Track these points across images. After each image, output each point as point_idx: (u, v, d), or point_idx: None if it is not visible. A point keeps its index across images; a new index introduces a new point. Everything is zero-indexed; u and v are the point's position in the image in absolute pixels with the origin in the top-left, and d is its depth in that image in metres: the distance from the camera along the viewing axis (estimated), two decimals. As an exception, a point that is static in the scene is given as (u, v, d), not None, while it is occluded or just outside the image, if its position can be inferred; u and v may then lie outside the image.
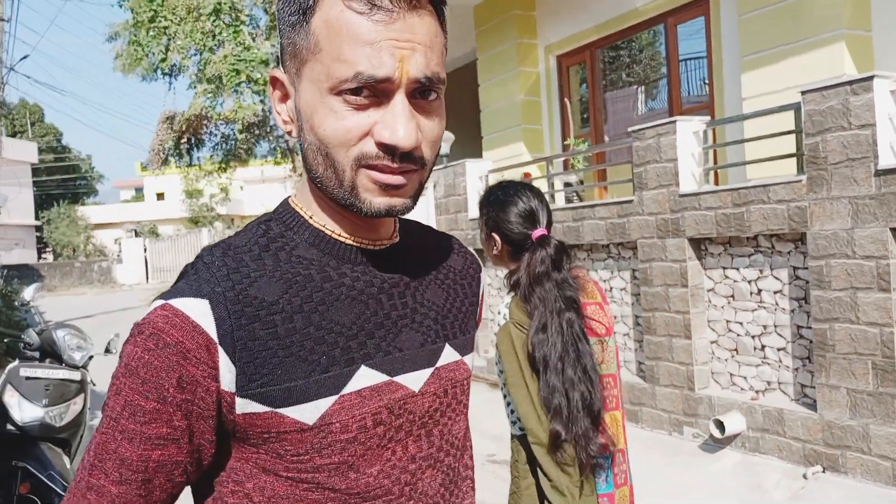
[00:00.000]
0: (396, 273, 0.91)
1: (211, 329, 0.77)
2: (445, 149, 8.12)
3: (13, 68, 17.23)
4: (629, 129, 5.51)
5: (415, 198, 0.84)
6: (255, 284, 0.80)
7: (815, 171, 4.15)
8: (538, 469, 1.85)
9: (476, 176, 7.41)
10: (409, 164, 0.80)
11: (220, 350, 0.77)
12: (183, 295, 0.78)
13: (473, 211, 7.37)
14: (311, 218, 0.88)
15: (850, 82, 3.97)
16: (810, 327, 4.26)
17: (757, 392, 4.68)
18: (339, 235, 0.88)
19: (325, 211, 0.88)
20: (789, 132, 4.41)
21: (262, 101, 14.08)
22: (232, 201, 33.09)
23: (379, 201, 0.81)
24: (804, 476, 4.13)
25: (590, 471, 1.81)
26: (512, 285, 1.93)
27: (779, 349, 4.55)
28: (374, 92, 0.77)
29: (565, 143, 7.83)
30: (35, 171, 34.89)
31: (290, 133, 0.85)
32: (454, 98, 11.96)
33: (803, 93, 4.21)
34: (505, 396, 2.00)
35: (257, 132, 15.35)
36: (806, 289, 4.34)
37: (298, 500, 0.81)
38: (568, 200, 6.76)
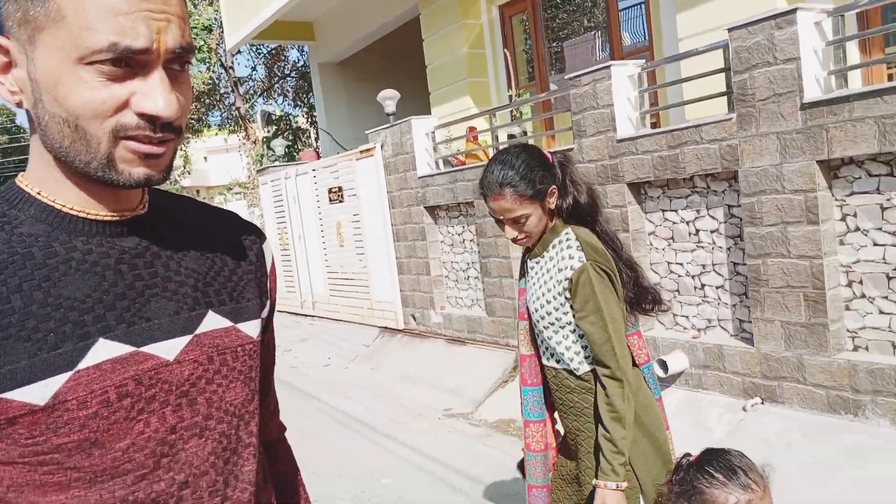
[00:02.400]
0: (144, 242, 0.89)
1: None
2: (391, 107, 8.00)
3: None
4: (566, 77, 5.46)
5: (170, 167, 0.85)
6: None
7: (743, 109, 4.16)
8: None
9: (423, 133, 7.33)
10: (169, 133, 0.81)
11: None
12: None
13: (423, 169, 7.32)
14: (38, 194, 0.85)
15: (775, 16, 3.95)
16: (745, 264, 4.32)
17: (698, 330, 4.76)
18: (72, 209, 0.85)
19: (58, 185, 0.85)
20: (718, 71, 4.41)
21: (208, 69, 13.75)
22: (195, 172, 32.62)
23: (138, 171, 0.81)
24: (744, 408, 4.23)
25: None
26: (582, 216, 2.14)
27: (717, 287, 4.62)
28: (130, 63, 0.77)
29: (510, 94, 7.76)
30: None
31: (19, 104, 0.82)
32: (399, 56, 11.83)
33: (730, 30, 4.19)
34: (572, 334, 2.11)
35: (207, 101, 15.02)
36: (740, 226, 4.39)
37: (40, 485, 0.79)
38: (514, 152, 6.72)
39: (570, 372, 2.13)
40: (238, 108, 14.51)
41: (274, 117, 13.27)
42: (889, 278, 3.73)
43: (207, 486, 0.90)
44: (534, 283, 2.17)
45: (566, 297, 2.05)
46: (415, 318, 7.77)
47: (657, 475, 2.10)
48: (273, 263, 1.10)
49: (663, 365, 4.61)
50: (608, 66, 5.02)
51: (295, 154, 12.46)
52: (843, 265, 3.92)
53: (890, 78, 4.86)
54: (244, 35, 11.30)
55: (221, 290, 0.95)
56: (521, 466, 2.49)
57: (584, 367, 2.10)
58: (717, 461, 1.61)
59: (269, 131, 12.69)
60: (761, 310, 4.19)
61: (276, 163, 10.81)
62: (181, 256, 0.92)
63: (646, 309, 2.23)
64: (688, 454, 1.70)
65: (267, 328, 1.07)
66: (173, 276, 0.90)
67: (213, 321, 0.92)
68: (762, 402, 4.22)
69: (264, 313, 1.03)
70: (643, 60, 5.26)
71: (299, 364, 8.28)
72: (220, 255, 0.98)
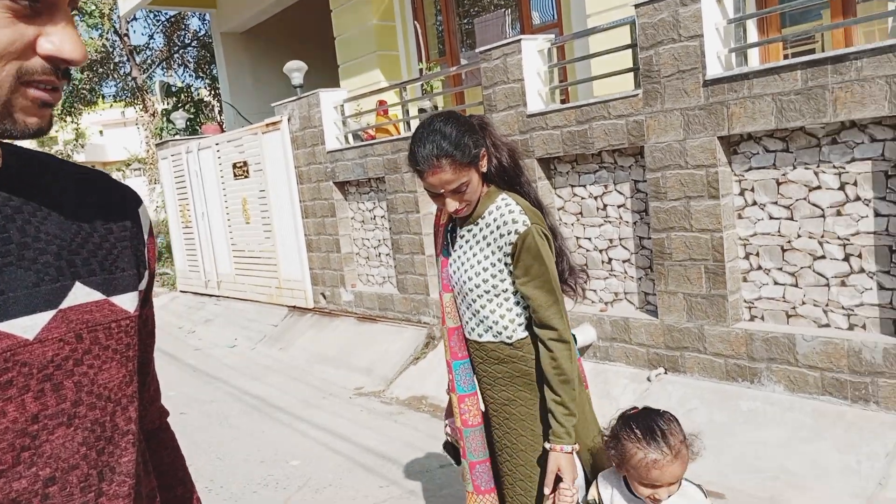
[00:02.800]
0: None
1: None
2: (298, 79, 7.74)
3: None
4: (477, 51, 5.41)
5: (52, 118, 0.79)
6: None
7: (649, 85, 4.22)
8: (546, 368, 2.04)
9: (331, 106, 7.13)
10: (65, 80, 0.77)
11: None
12: None
13: (332, 143, 7.13)
14: None
15: (679, -7, 4.01)
16: (650, 238, 4.41)
17: (606, 304, 4.85)
18: None
19: None
20: (625, 47, 4.45)
21: (101, 37, 12.94)
22: (91, 147, 30.97)
23: (32, 121, 0.75)
24: (648, 379, 4.35)
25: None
26: (525, 195, 2.12)
27: (624, 261, 4.71)
28: (37, 1, 0.72)
29: (420, 68, 7.65)
30: None
31: None
32: (307, 27, 11.47)
33: (637, 6, 4.23)
34: (512, 297, 2.08)
35: (101, 70, 14.16)
36: (646, 201, 4.47)
37: None
38: (424, 127, 6.64)
39: (503, 342, 2.09)
40: (134, 79, 13.74)
41: (174, 89, 12.66)
42: (784, 250, 3.89)
43: (78, 481, 0.79)
44: (464, 253, 2.12)
45: (506, 263, 2.02)
46: (325, 297, 7.61)
47: (593, 436, 2.12)
48: (151, 230, 0.98)
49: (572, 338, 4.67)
50: (518, 41, 4.99)
51: (197, 128, 11.94)
52: (741, 238, 4.06)
53: (785, 57, 5.04)
54: (139, 0, 10.68)
55: (91, 259, 0.84)
56: (449, 448, 2.42)
57: (519, 335, 2.08)
58: (644, 420, 1.78)
59: (168, 104, 12.10)
60: (665, 282, 4.29)
61: (177, 137, 10.32)
62: (41, 220, 0.80)
63: (566, 279, 2.23)
64: (634, 407, 1.88)
65: (146, 302, 0.96)
66: (31, 242, 0.78)
67: (81, 294, 0.81)
68: (665, 372, 4.35)
69: (142, 285, 0.92)
70: (553, 35, 5.26)
71: (204, 346, 7.98)
72: (88, 219, 0.86)
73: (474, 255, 2.08)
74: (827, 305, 3.75)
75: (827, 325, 3.75)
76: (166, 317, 9.73)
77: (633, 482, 1.81)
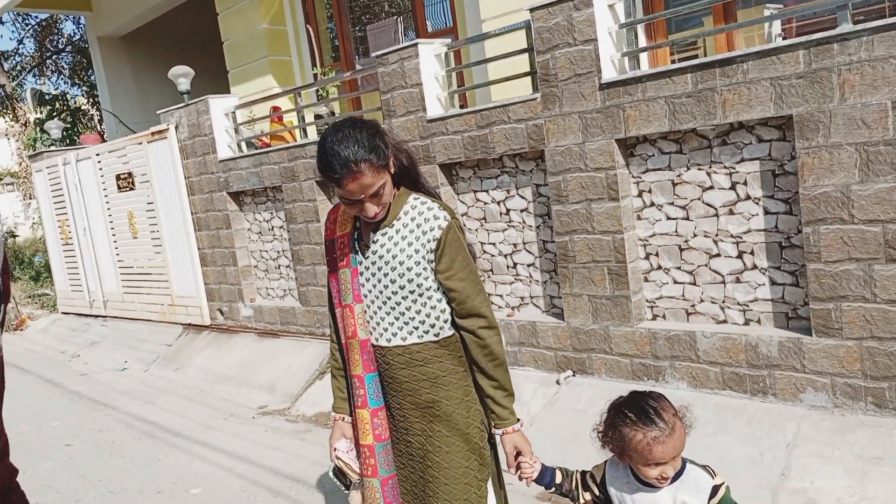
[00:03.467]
0: None
1: None
2: (185, 85, 7.37)
3: None
4: (373, 55, 5.30)
5: None
6: None
7: (547, 89, 4.24)
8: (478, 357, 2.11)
9: (222, 113, 6.82)
10: None
11: None
12: None
13: (224, 151, 6.82)
14: None
15: (573, -2, 4.05)
16: (554, 241, 4.43)
17: (512, 308, 4.84)
18: None
19: None
20: (522, 51, 4.46)
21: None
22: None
23: None
24: (557, 382, 4.36)
25: None
26: (429, 193, 2.18)
27: (528, 265, 4.72)
28: None
29: (315, 73, 7.46)
30: None
31: None
32: (193, 31, 11.00)
33: (531, 10, 4.24)
34: (435, 294, 2.08)
35: (-37, 77, 13.07)
36: (548, 205, 4.49)
37: None
38: (320, 132, 6.46)
39: (429, 341, 2.10)
40: (3, 87, 12.75)
41: (48, 97, 11.82)
42: (681, 250, 3.99)
43: None
44: (381, 257, 2.09)
45: (429, 260, 2.05)
46: (222, 313, 7.27)
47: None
48: (6, 257, 0.82)
49: (480, 344, 4.63)
50: (415, 45, 4.92)
51: (76, 138, 11.19)
52: (641, 239, 4.14)
53: (673, 62, 5.21)
54: (5, 1, 9.90)
55: None
56: (338, 474, 2.32)
57: (446, 332, 2.11)
58: (634, 403, 1.85)
59: (42, 112, 11.28)
60: (570, 285, 4.32)
61: (53, 148, 9.62)
62: None
63: None
64: (620, 396, 1.94)
65: None
66: None
67: None
68: (574, 375, 4.37)
69: None
70: (449, 39, 5.22)
71: (90, 370, 7.46)
72: None
73: (394, 257, 2.07)
74: (724, 302, 3.87)
75: (724, 322, 3.87)
76: (47, 341, 9.05)
77: (638, 468, 1.85)
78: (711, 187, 3.82)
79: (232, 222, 6.90)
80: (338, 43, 7.87)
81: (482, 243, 4.94)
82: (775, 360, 3.54)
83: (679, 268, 4.02)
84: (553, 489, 2.11)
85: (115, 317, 8.83)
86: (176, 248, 7.57)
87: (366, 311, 2.15)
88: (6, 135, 15.89)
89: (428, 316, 2.09)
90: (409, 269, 2.05)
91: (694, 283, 3.97)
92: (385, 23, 7.86)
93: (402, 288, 2.06)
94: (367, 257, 2.12)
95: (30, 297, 11.11)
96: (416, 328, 2.09)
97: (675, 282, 4.04)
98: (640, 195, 4.11)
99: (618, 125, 3.97)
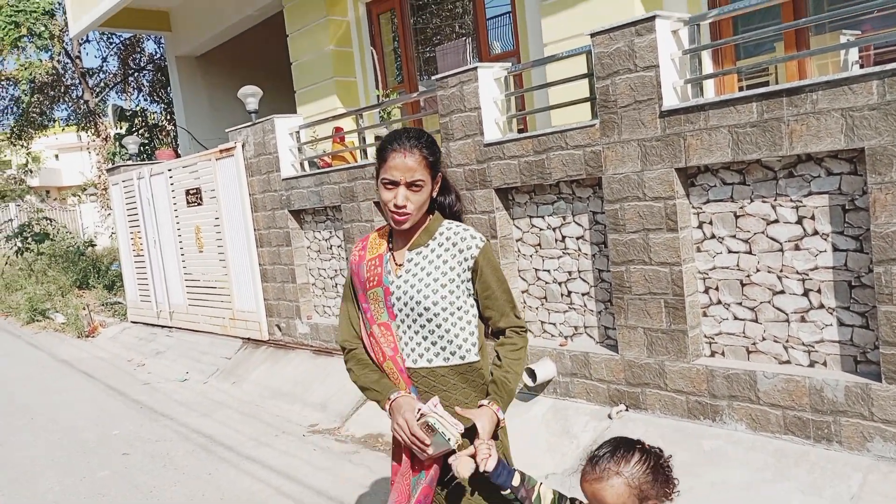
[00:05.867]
0: None
1: None
2: (253, 105, 7.56)
3: None
4: (434, 78, 5.31)
5: None
6: None
7: (606, 115, 4.15)
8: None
9: (287, 133, 6.97)
10: None
11: None
12: None
13: (287, 170, 6.96)
14: None
15: (634, 23, 3.96)
16: (610, 270, 4.32)
17: (566, 338, 4.73)
18: None
19: None
20: (582, 76, 4.39)
21: (52, 58, 12.60)
22: (45, 171, 30.26)
23: None
24: (609, 416, 4.23)
25: None
26: (456, 214, 2.25)
27: (583, 294, 4.61)
28: None
29: (378, 94, 7.54)
30: None
31: None
32: (264, 52, 11.30)
33: (592, 35, 4.17)
34: (465, 315, 2.14)
35: (52, 93, 13.78)
36: (604, 233, 4.39)
37: None
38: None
39: (454, 365, 2.13)
40: (87, 102, 13.38)
41: (127, 113, 12.34)
42: (743, 285, 3.82)
43: None
44: (415, 275, 2.12)
45: (464, 280, 2.11)
46: (280, 329, 7.38)
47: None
48: None
49: (532, 374, 4.55)
50: (475, 68, 4.91)
51: (152, 153, 11.64)
52: (700, 272, 3.99)
53: (740, 89, 5.04)
54: (90, 21, 10.41)
55: None
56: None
57: (472, 356, 2.14)
58: (600, 448, 1.86)
59: (121, 128, 11.78)
60: (625, 317, 4.20)
61: (130, 162, 10.03)
62: None
63: None
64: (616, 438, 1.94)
65: None
66: None
67: None
68: (627, 409, 4.23)
69: None
70: (509, 63, 5.19)
71: (153, 380, 7.67)
72: None
73: (429, 275, 2.10)
74: (787, 341, 3.68)
75: (788, 362, 3.68)
76: (115, 349, 9.37)
77: None
78: (776, 221, 3.65)
79: (292, 240, 7.01)
80: (402, 65, 7.94)
81: (536, 270, 4.86)
82: (841, 405, 3.34)
83: (740, 303, 3.85)
84: (508, 491, 1.96)
85: (180, 328, 9.08)
86: (238, 264, 7.75)
87: (398, 328, 2.17)
88: (88, 148, 16.65)
89: (456, 336, 2.11)
90: (443, 286, 2.09)
91: (755, 321, 3.79)
92: (455, 44, 7.88)
93: (434, 304, 2.09)
94: (400, 276, 2.15)
95: (103, 304, 11.54)
96: (444, 349, 2.12)
97: (736, 318, 3.87)
98: (700, 226, 3.96)
99: (678, 154, 3.84)
